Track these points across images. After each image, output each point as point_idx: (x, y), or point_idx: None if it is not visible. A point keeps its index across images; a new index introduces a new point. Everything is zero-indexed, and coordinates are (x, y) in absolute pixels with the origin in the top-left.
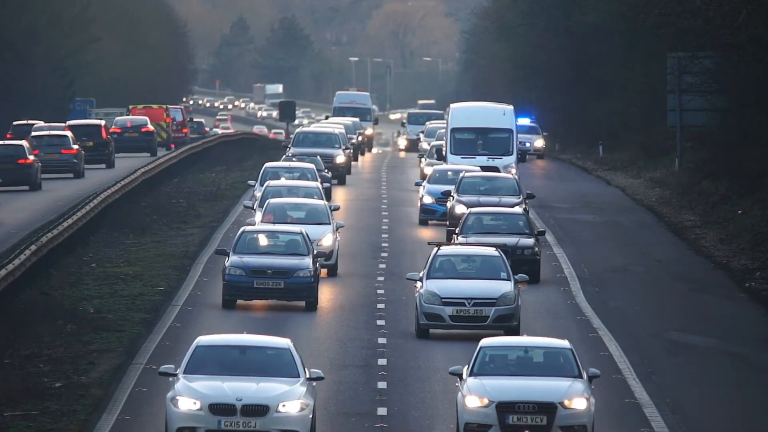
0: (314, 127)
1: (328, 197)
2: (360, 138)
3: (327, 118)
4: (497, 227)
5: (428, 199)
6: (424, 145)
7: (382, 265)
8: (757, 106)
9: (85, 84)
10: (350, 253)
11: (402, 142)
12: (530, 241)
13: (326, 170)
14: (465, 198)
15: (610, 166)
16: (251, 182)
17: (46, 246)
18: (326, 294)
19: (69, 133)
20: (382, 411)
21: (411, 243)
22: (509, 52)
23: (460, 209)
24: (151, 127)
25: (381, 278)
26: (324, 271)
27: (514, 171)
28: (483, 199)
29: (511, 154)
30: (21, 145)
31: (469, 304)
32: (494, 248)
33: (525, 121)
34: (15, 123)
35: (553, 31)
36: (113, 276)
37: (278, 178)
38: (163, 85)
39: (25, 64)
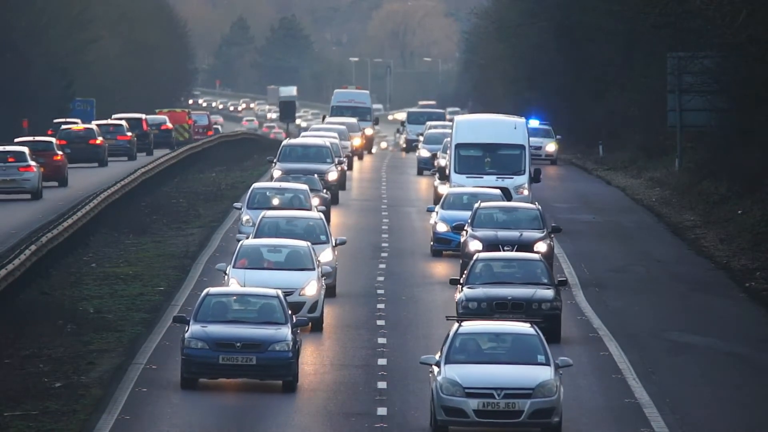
0: (302, 139)
1: (327, 219)
2: (361, 139)
3: (324, 118)
4: (510, 276)
5: (442, 227)
6: (441, 162)
7: (382, 266)
8: (757, 106)
9: (85, 84)
10: (350, 253)
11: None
12: (549, 293)
13: (324, 190)
14: (480, 232)
15: (610, 166)
16: (237, 205)
17: (46, 246)
18: (326, 293)
19: (124, 122)
20: (382, 411)
21: (411, 243)
22: (509, 52)
23: (474, 245)
24: (169, 125)
25: (381, 278)
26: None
27: (526, 192)
28: (501, 233)
29: (523, 173)
30: (92, 129)
31: (498, 395)
32: (529, 324)
33: (534, 123)
34: (55, 121)
35: (553, 31)
36: (113, 276)
37: (268, 202)
38: (163, 84)
39: (25, 64)
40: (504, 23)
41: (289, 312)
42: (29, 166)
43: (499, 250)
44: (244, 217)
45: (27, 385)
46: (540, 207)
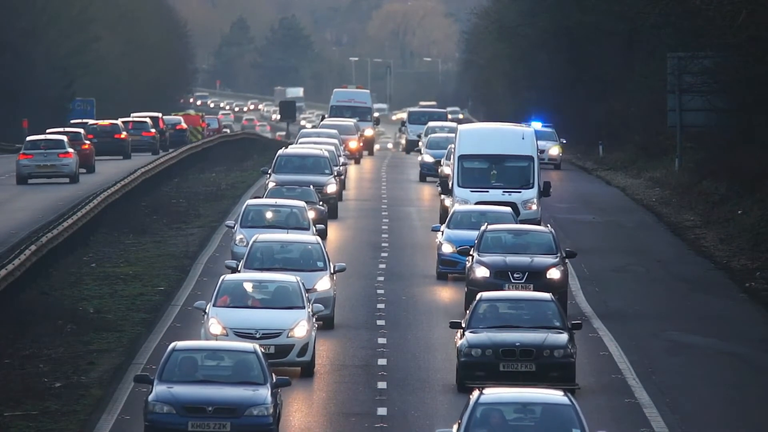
0: (299, 149)
1: (323, 235)
2: (358, 142)
3: (323, 118)
4: (518, 318)
5: (447, 248)
6: (446, 170)
7: (382, 265)
8: (757, 106)
9: (85, 84)
10: (350, 252)
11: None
12: (562, 338)
13: (321, 202)
14: (487, 258)
15: (610, 166)
16: (229, 223)
17: (46, 246)
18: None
19: (148, 119)
20: (382, 411)
21: (411, 243)
22: (509, 52)
23: (480, 272)
24: (184, 126)
25: (381, 278)
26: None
27: (535, 207)
28: (510, 259)
29: (532, 187)
30: (117, 124)
31: None
32: (562, 392)
33: (537, 125)
34: (72, 122)
35: (553, 31)
36: (113, 276)
37: (262, 219)
38: (164, 84)
39: (25, 64)
40: (504, 23)
41: (270, 371)
42: (68, 152)
43: (508, 277)
44: (237, 236)
45: (27, 385)
46: (553, 230)
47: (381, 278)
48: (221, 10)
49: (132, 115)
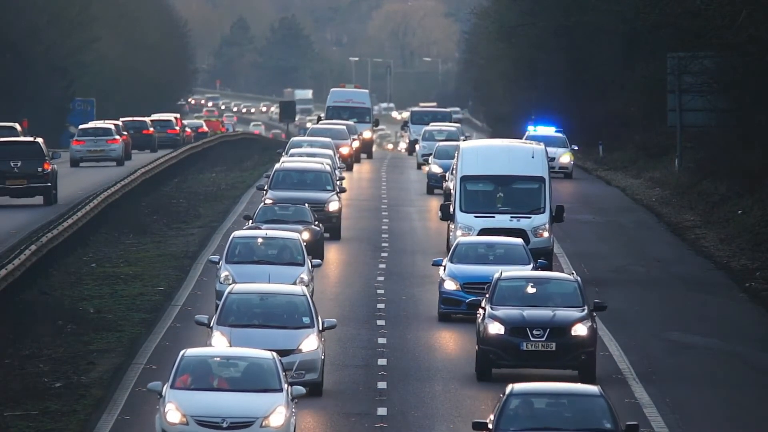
0: (298, 163)
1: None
2: (350, 149)
3: (320, 119)
4: (557, 418)
5: (450, 285)
6: (451, 185)
7: (382, 265)
8: (757, 106)
9: (85, 84)
10: (350, 253)
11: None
12: None
13: (317, 221)
14: (502, 312)
15: (610, 166)
16: (213, 258)
17: (46, 246)
18: (327, 294)
19: (173, 118)
20: (382, 411)
21: (411, 243)
22: (509, 52)
23: (494, 328)
24: (205, 128)
25: (381, 278)
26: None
27: (546, 234)
28: (528, 312)
29: (543, 212)
30: (144, 121)
31: None
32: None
33: (549, 130)
34: (81, 127)
35: (553, 31)
36: (113, 276)
37: (251, 254)
38: (164, 84)
39: (25, 64)
40: (504, 23)
41: None
42: (115, 138)
43: (527, 334)
44: (222, 273)
45: (27, 385)
46: (579, 278)
47: (381, 278)
48: (221, 10)
49: (152, 115)
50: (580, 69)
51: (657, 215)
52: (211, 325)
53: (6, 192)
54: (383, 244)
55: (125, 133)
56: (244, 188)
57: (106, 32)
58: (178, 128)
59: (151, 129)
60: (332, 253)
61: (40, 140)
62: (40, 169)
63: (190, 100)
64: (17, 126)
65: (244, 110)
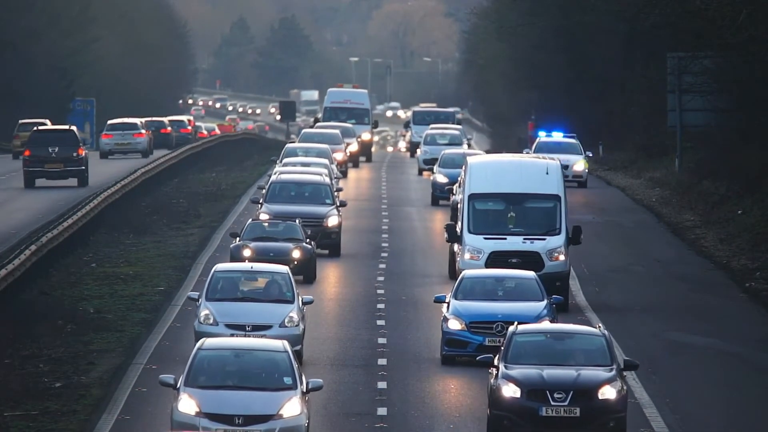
0: (296, 175)
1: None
2: (344, 155)
3: (316, 121)
4: None
5: (455, 325)
6: (458, 198)
7: (382, 265)
8: (757, 106)
9: (85, 84)
10: (350, 253)
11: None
12: None
13: (308, 238)
14: (518, 371)
15: (610, 166)
16: (193, 294)
17: (46, 246)
18: (327, 294)
19: (186, 119)
20: (382, 411)
21: (411, 243)
22: (509, 52)
23: (509, 391)
24: (218, 132)
25: (381, 278)
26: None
27: (562, 257)
28: (549, 373)
29: (559, 233)
30: (162, 121)
31: None
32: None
33: (559, 136)
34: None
35: (553, 31)
36: (113, 276)
37: (235, 290)
38: (164, 84)
39: (25, 64)
40: (504, 23)
41: None
42: (141, 132)
43: (547, 398)
44: (202, 312)
45: (27, 385)
46: (607, 332)
47: (381, 278)
48: (221, 10)
49: (168, 117)
50: (580, 69)
51: (657, 215)
52: (178, 386)
53: (44, 174)
54: (383, 245)
55: (145, 131)
56: (244, 188)
57: (106, 32)
58: (190, 128)
59: (169, 128)
60: (331, 255)
61: (74, 128)
62: (74, 154)
63: (199, 102)
64: (47, 122)
65: (249, 111)
